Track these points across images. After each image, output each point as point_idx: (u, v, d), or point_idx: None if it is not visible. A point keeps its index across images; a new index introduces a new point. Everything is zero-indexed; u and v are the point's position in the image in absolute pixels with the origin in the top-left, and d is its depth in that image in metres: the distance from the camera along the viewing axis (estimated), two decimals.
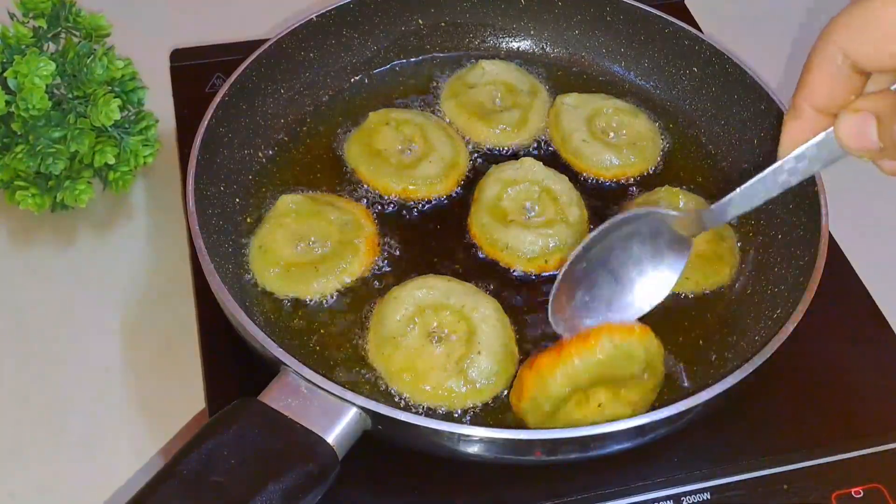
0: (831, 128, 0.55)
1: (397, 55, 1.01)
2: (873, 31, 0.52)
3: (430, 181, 0.89)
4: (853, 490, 0.74)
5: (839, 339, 0.83)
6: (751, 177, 0.59)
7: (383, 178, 0.89)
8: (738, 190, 0.60)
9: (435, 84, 1.00)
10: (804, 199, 0.82)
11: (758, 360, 0.70)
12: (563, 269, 0.70)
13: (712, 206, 0.63)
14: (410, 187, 0.88)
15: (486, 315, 0.77)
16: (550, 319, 0.70)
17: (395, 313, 0.77)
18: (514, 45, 1.04)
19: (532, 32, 1.03)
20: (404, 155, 0.91)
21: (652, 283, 0.70)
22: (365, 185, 0.89)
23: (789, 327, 0.72)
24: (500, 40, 1.04)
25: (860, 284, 0.87)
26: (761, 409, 0.78)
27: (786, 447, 0.76)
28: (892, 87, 0.54)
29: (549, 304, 0.70)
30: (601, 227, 0.69)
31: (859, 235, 0.92)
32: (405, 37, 1.01)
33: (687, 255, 0.68)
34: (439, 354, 0.75)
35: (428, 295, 0.78)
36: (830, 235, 0.80)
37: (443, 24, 1.02)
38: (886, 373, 0.82)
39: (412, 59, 1.02)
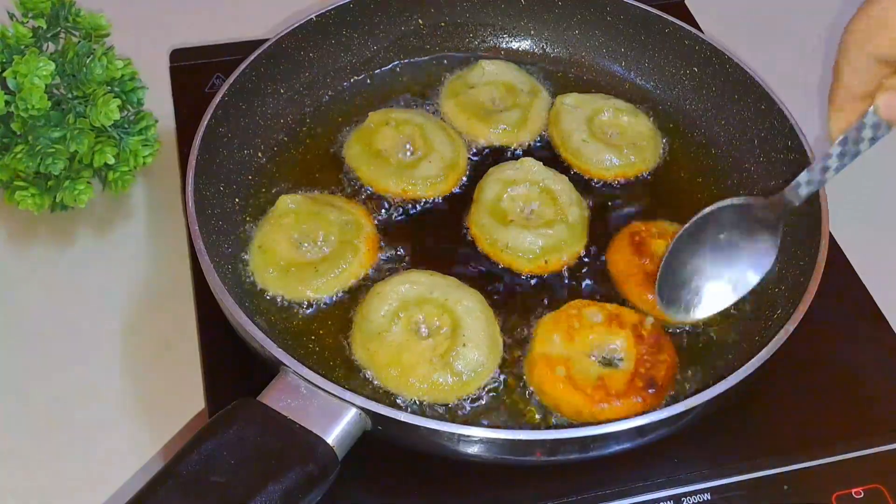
0: (871, 108, 0.64)
1: (397, 55, 1.01)
2: (888, 32, 0.59)
3: (430, 181, 0.89)
4: (853, 490, 0.74)
5: (839, 339, 0.83)
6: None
7: (383, 178, 0.89)
8: (804, 172, 0.71)
9: (435, 84, 1.00)
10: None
11: (758, 361, 0.70)
12: (663, 262, 0.78)
13: (787, 188, 0.73)
14: (410, 187, 0.88)
15: (469, 307, 0.77)
16: (660, 306, 0.78)
17: (380, 309, 0.77)
18: (514, 45, 1.04)
19: (532, 32, 1.03)
20: (404, 155, 0.91)
21: (748, 265, 0.77)
22: (365, 186, 0.89)
23: (789, 327, 0.72)
24: (500, 40, 1.04)
25: (860, 284, 0.87)
26: (761, 409, 0.78)
27: (786, 447, 0.76)
28: None
29: (656, 293, 0.78)
30: (688, 224, 0.77)
31: (859, 235, 0.92)
32: (405, 37, 1.01)
33: (779, 236, 0.76)
34: (425, 348, 0.75)
35: (411, 290, 0.78)
36: (830, 235, 0.80)
37: (443, 24, 1.02)
38: (886, 373, 0.82)
39: (412, 59, 1.01)
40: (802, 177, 0.71)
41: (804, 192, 0.71)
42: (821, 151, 0.71)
